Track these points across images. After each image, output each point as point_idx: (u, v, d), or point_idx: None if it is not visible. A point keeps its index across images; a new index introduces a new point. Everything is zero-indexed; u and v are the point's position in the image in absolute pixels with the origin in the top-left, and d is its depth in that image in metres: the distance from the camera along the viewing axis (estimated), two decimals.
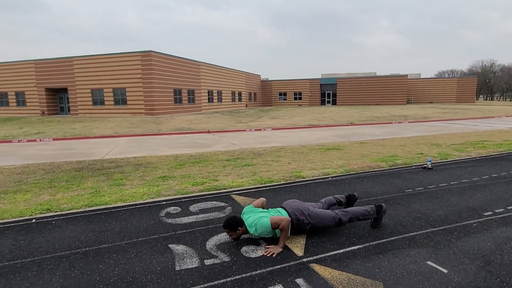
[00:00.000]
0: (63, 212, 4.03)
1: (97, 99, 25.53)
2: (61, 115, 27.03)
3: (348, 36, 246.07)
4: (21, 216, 3.93)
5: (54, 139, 12.60)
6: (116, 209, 4.10)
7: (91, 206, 4.22)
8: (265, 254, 2.87)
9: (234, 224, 3.08)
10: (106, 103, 25.27)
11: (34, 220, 3.78)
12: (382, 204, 3.49)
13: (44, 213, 4.03)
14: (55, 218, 3.85)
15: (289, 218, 3.04)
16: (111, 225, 3.59)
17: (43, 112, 27.24)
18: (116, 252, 2.96)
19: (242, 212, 3.33)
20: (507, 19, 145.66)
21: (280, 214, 3.20)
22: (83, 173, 6.32)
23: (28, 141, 12.34)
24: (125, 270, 2.66)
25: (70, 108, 26.73)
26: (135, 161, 7.53)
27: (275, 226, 3.00)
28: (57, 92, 27.99)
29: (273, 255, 2.84)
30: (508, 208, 3.97)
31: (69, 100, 26.56)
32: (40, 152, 9.48)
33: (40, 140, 12.51)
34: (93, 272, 2.64)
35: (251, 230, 3.05)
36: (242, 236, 3.21)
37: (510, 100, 77.70)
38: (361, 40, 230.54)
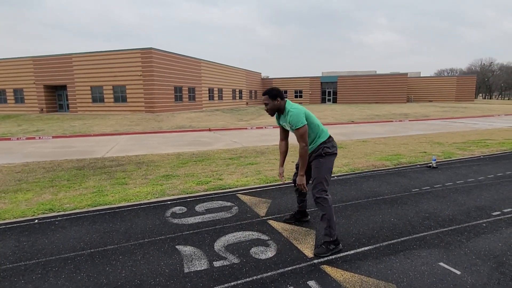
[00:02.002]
0: (66, 212, 3.97)
1: (97, 97, 25.42)
2: (60, 113, 26.90)
3: (347, 34, 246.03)
4: (23, 216, 3.86)
5: (53, 137, 12.50)
6: (121, 209, 4.04)
7: (95, 206, 4.16)
8: (299, 188, 3.07)
9: (275, 92, 2.97)
10: (105, 100, 25.16)
11: (36, 221, 3.72)
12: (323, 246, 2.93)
13: (47, 213, 3.96)
14: (58, 218, 3.79)
15: (307, 149, 2.92)
16: (116, 226, 3.53)
17: (42, 110, 27.10)
18: (123, 254, 2.90)
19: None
20: (504, 18, 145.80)
21: (321, 128, 3.06)
22: (84, 171, 6.25)
23: (27, 138, 12.24)
24: (132, 272, 2.60)
25: (69, 105, 26.61)
26: (136, 159, 7.46)
27: (297, 135, 2.90)
28: (56, 89, 27.85)
29: (303, 187, 3.01)
30: None
31: (68, 97, 26.43)
32: (39, 150, 9.39)
33: (40, 137, 12.41)
34: (100, 274, 2.58)
35: (285, 110, 2.97)
36: (250, 236, 3.15)
37: (509, 99, 77.80)
38: (360, 38, 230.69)
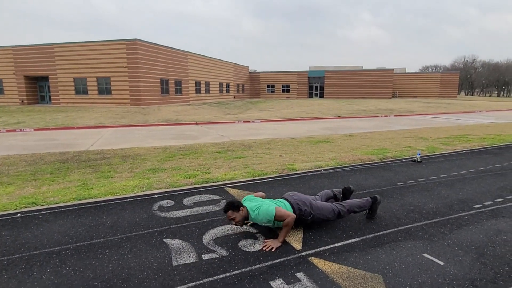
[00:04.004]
0: (50, 206, 3.87)
1: (80, 88, 24.75)
2: (42, 104, 26.09)
3: (333, 29, 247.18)
4: (5, 210, 3.74)
5: (35, 129, 12.13)
6: (106, 203, 3.97)
7: (80, 200, 4.07)
8: (264, 248, 2.82)
9: (236, 204, 3.00)
10: (89, 92, 24.54)
11: (19, 215, 3.61)
12: (377, 196, 3.52)
13: (30, 207, 3.86)
14: (42, 212, 3.69)
15: (295, 216, 2.97)
16: (102, 219, 3.47)
17: (23, 101, 26.23)
18: (109, 248, 2.86)
19: (243, 199, 3.24)
20: (486, 16, 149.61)
21: (284, 206, 3.12)
22: (68, 164, 6.10)
23: (7, 131, 11.84)
24: (119, 266, 2.57)
25: (52, 97, 25.83)
26: (122, 152, 7.33)
27: (279, 218, 2.92)
28: (37, 80, 26.95)
29: (272, 250, 2.80)
30: (496, 200, 4.07)
31: (50, 88, 25.64)
32: (21, 143, 9.10)
33: (20, 130, 12.02)
34: (86, 268, 2.53)
35: (253, 214, 2.96)
36: (239, 229, 3.16)
37: (490, 95, 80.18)
38: (345, 33, 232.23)
